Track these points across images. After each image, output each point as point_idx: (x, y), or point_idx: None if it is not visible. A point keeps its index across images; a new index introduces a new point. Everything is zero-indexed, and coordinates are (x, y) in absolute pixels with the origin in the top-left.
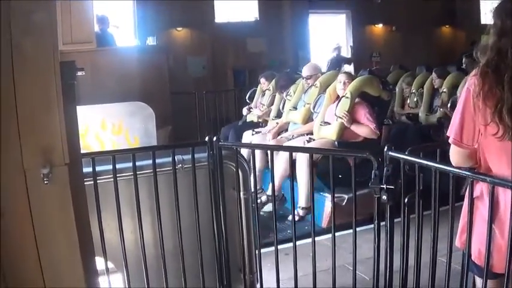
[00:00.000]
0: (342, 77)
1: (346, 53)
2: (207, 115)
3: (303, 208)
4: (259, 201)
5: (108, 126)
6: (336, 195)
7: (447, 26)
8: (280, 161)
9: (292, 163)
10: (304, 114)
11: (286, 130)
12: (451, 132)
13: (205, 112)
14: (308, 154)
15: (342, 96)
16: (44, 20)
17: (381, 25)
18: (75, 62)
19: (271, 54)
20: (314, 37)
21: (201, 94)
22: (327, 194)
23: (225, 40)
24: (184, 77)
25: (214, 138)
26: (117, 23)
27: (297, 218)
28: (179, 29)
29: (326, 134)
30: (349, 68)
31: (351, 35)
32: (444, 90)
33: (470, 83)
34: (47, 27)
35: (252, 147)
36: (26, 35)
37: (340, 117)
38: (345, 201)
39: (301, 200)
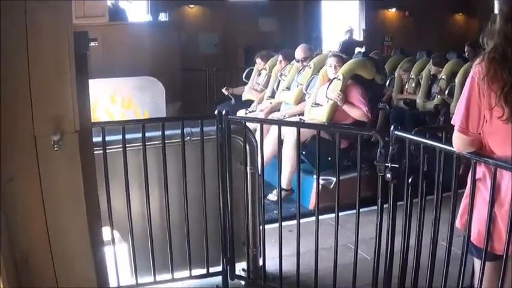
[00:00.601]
0: (331, 61)
1: (359, 36)
2: (217, 92)
3: (283, 189)
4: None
5: (117, 101)
6: (324, 177)
7: (460, 14)
8: (269, 141)
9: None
10: (297, 94)
11: (279, 110)
12: (457, 120)
13: (215, 89)
14: (296, 136)
15: (334, 78)
16: None
17: (394, 9)
18: (88, 33)
19: (282, 34)
20: (326, 19)
21: (211, 71)
22: (315, 176)
23: (237, 18)
24: (196, 54)
25: (224, 112)
26: None
27: (276, 198)
28: (191, 6)
29: (316, 115)
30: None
31: (364, 18)
32: (443, 77)
33: (474, 72)
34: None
35: (261, 121)
36: (41, 5)
37: (331, 99)
38: (333, 184)
39: (283, 181)
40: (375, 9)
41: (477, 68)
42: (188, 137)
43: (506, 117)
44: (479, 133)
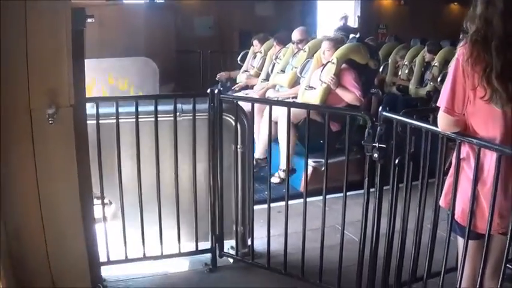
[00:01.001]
0: (324, 45)
1: (353, 23)
2: (211, 75)
3: (284, 170)
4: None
5: (113, 81)
6: (315, 160)
7: (456, 4)
8: (264, 123)
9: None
10: (291, 77)
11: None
12: (442, 101)
13: (209, 72)
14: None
15: (328, 62)
16: None
17: None
18: (85, 9)
19: (278, 19)
20: (322, 5)
21: (206, 53)
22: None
23: (233, 2)
24: (191, 36)
25: (216, 91)
26: None
27: (278, 180)
28: None
29: (310, 98)
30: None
31: (359, 5)
32: (436, 64)
33: (459, 54)
34: None
35: (252, 101)
36: None
37: (325, 82)
38: (324, 166)
39: (283, 163)
40: None
41: (461, 50)
42: (178, 113)
43: (488, 97)
44: (464, 114)
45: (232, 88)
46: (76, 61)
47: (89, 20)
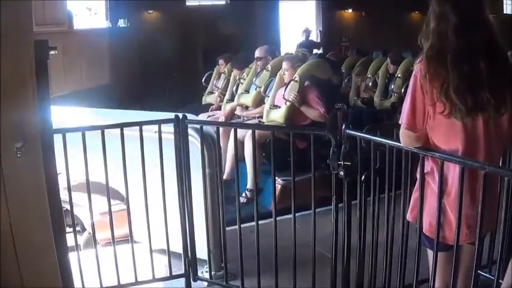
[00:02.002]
0: (284, 65)
1: (316, 37)
2: (178, 97)
3: (249, 190)
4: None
5: None
6: (284, 178)
7: (417, 12)
8: (231, 144)
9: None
10: (255, 97)
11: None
12: (403, 118)
13: (174, 93)
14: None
15: (291, 80)
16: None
17: (350, 10)
18: (48, 41)
19: (241, 38)
20: (284, 21)
21: (170, 76)
22: (276, 177)
23: (196, 23)
24: (155, 59)
25: (181, 116)
26: (89, 4)
27: (244, 200)
28: (150, 11)
29: (275, 117)
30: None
31: (321, 19)
32: (399, 75)
33: (416, 70)
34: (22, 6)
35: (218, 124)
36: (3, 12)
37: (289, 101)
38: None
39: (249, 182)
40: (332, 10)
41: (418, 67)
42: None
43: (447, 112)
44: (425, 128)
45: (210, 109)
46: (41, 93)
47: (52, 52)
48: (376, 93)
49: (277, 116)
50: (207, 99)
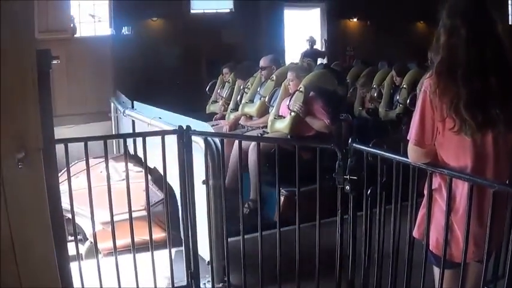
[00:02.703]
0: (289, 75)
1: (320, 47)
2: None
3: (251, 200)
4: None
5: None
6: (289, 189)
7: (422, 22)
8: (234, 154)
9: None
10: (260, 107)
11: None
12: (412, 134)
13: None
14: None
15: (296, 90)
16: (21, 7)
17: (355, 19)
18: (50, 51)
19: (245, 46)
20: (289, 30)
21: (174, 84)
22: (280, 188)
23: (200, 31)
24: (159, 67)
25: (185, 127)
26: (93, 11)
27: (247, 211)
28: (154, 19)
29: (279, 127)
30: (323, 61)
31: (326, 29)
32: (404, 86)
33: (426, 85)
34: (24, 15)
35: (222, 136)
36: (4, 22)
37: (294, 111)
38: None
39: (252, 193)
40: (337, 20)
41: (428, 82)
42: None
43: (457, 129)
44: (434, 144)
45: (214, 118)
46: (43, 103)
47: (55, 62)
48: (381, 103)
49: (282, 127)
50: (211, 108)
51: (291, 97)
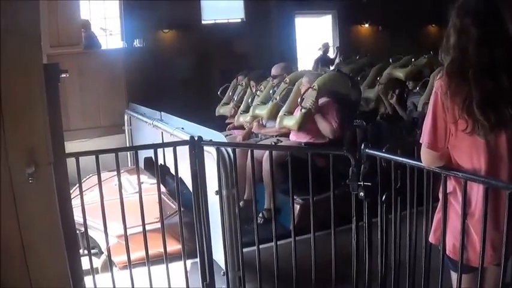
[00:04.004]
0: (304, 81)
1: (333, 53)
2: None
3: (266, 209)
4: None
5: None
6: (304, 197)
7: (434, 26)
8: (250, 165)
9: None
10: (271, 109)
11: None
12: (424, 137)
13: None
14: (272, 156)
15: (309, 87)
16: (29, 22)
17: (367, 25)
18: (58, 65)
19: (257, 55)
20: (300, 38)
21: (188, 95)
22: (295, 196)
23: (212, 41)
24: (172, 78)
25: (196, 137)
26: (104, 25)
27: (261, 220)
28: (166, 30)
29: (288, 124)
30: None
31: (338, 35)
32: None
33: (437, 87)
34: (31, 29)
35: (235, 145)
36: (11, 36)
37: (305, 108)
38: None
39: (266, 202)
40: (348, 25)
41: (439, 83)
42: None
43: (470, 130)
44: (447, 147)
45: (227, 128)
46: (52, 117)
47: (63, 75)
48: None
49: (291, 123)
50: (221, 110)
51: (303, 94)
